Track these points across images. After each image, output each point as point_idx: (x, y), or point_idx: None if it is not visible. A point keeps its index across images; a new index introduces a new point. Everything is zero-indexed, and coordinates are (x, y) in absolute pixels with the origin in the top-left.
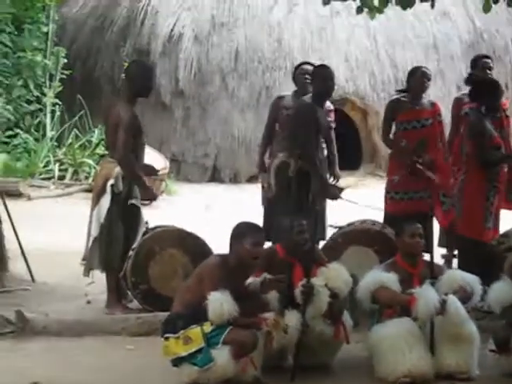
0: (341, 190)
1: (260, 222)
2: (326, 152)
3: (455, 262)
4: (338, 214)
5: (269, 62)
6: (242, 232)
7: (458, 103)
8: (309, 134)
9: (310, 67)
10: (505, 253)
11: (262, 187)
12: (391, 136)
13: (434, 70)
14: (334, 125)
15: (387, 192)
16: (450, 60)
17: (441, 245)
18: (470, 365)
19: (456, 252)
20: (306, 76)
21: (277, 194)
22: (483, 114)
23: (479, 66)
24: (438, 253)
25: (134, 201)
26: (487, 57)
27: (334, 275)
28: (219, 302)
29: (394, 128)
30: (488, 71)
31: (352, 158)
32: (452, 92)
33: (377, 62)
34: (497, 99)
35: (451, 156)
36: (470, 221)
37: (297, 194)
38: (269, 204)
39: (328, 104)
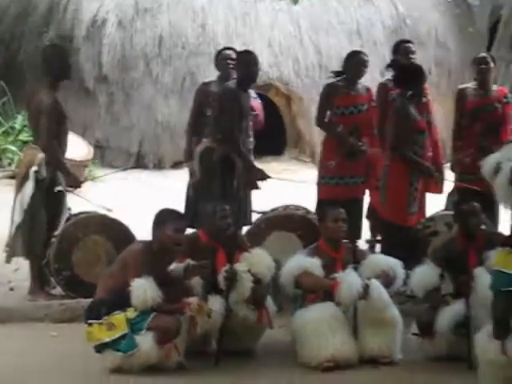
0: (265, 175)
1: (183, 208)
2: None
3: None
4: (263, 199)
5: (193, 47)
6: (163, 218)
7: (383, 89)
8: (232, 119)
9: (231, 52)
10: (430, 237)
11: (190, 175)
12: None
13: None
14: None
15: (322, 177)
16: (374, 45)
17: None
18: (393, 349)
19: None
20: (228, 61)
21: (201, 179)
22: (408, 99)
23: (401, 50)
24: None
25: (60, 188)
26: (409, 41)
27: (256, 260)
28: (143, 289)
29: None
30: (411, 56)
31: (276, 143)
32: (375, 77)
33: (300, 47)
34: (421, 84)
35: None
36: (394, 206)
37: (221, 180)
38: (194, 190)
39: (254, 95)
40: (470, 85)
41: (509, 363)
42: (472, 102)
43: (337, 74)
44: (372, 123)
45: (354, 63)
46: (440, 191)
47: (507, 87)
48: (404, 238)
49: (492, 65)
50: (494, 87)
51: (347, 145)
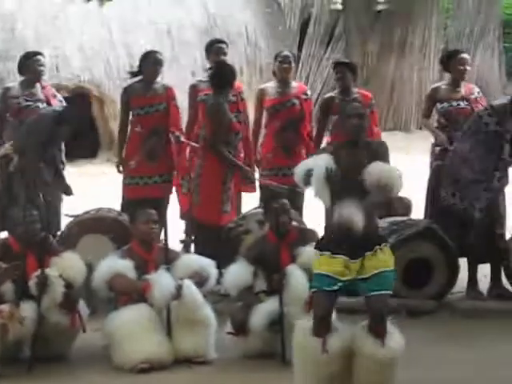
0: (70, 191)
1: None
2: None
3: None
4: (76, 203)
5: (2, 51)
6: None
7: (193, 90)
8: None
9: (42, 57)
10: (241, 235)
11: None
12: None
13: (169, 57)
14: None
15: (124, 177)
16: (185, 46)
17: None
18: (207, 348)
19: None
20: (40, 67)
21: (8, 184)
22: (222, 98)
23: (213, 51)
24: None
25: None
26: (221, 41)
27: (67, 265)
28: None
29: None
30: (222, 56)
31: (90, 146)
32: (187, 78)
33: (112, 49)
34: (231, 84)
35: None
36: (207, 205)
37: (23, 187)
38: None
39: (60, 98)
40: (271, 83)
41: (329, 360)
42: (270, 100)
43: (133, 74)
44: (175, 122)
45: (149, 64)
46: (253, 190)
47: (319, 83)
48: (217, 238)
49: (293, 64)
50: (295, 84)
51: (144, 147)
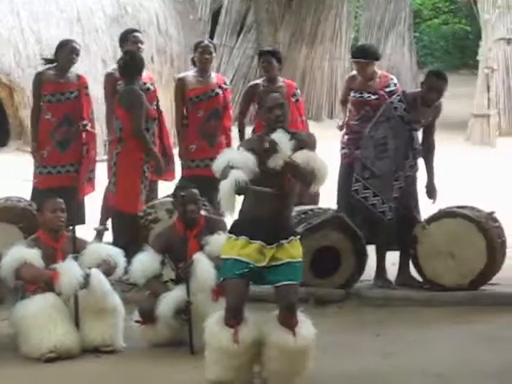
0: None
1: None
2: None
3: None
4: None
5: None
6: None
7: (110, 79)
8: None
9: None
10: (151, 224)
11: None
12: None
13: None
14: None
15: (36, 167)
16: (95, 34)
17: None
18: (115, 337)
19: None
20: None
21: None
22: (134, 86)
23: (129, 40)
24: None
25: None
26: (137, 31)
27: None
28: None
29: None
30: (139, 45)
31: None
32: (97, 66)
33: (21, 37)
34: (140, 72)
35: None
36: (125, 195)
37: None
38: None
39: None
40: (190, 72)
41: (240, 351)
42: (193, 90)
43: (48, 61)
44: (85, 109)
45: (65, 52)
46: (171, 178)
47: (231, 73)
48: (133, 226)
49: (214, 53)
50: (213, 74)
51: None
